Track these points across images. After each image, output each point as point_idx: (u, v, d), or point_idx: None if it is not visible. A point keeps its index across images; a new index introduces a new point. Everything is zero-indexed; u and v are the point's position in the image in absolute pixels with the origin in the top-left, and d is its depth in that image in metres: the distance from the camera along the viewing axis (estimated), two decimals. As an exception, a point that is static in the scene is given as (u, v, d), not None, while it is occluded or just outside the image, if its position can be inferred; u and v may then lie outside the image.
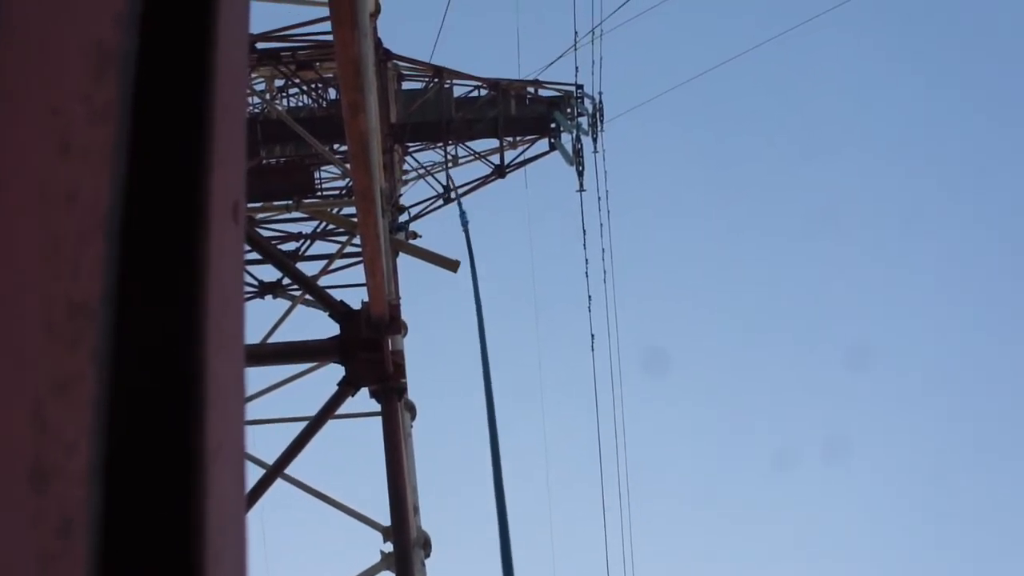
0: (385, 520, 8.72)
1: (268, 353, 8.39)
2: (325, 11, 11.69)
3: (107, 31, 0.70)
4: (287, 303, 13.29)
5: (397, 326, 7.63)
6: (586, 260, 17.16)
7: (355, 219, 8.70)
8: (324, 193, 14.45)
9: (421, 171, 15.67)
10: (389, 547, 8.73)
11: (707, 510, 41.23)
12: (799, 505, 40.96)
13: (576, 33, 16.11)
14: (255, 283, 13.77)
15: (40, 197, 0.61)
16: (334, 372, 7.82)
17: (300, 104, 15.41)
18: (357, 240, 10.90)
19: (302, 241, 14.57)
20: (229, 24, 0.88)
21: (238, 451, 0.90)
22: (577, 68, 16.22)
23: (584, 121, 16.12)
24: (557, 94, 15.90)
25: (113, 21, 0.71)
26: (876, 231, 40.95)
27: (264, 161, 14.11)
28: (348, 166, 8.78)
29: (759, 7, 39.80)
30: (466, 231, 11.61)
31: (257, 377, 11.20)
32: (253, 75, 14.23)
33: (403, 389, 8.42)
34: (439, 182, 15.54)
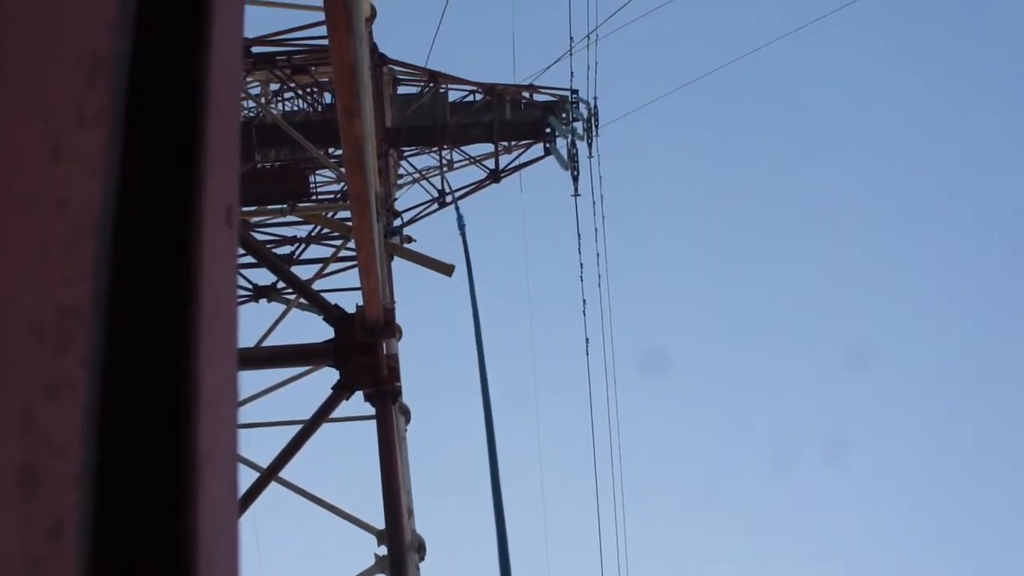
0: (379, 523, 8.72)
1: (263, 356, 8.39)
2: (321, 15, 11.69)
3: (99, 37, 0.70)
4: (282, 307, 13.29)
5: (392, 330, 7.63)
6: (581, 264, 17.17)
7: (350, 223, 8.70)
8: (319, 197, 14.45)
9: (416, 175, 15.69)
10: (383, 550, 8.73)
11: (706, 511, 41.31)
12: (799, 505, 41.01)
13: (571, 38, 16.14)
14: (250, 287, 13.77)
15: (31, 202, 0.61)
16: (329, 376, 7.82)
17: (295, 108, 15.42)
18: (352, 244, 10.90)
19: (297, 245, 14.58)
20: (223, 28, 0.88)
21: (231, 455, 0.90)
22: (572, 73, 16.26)
23: (579, 126, 16.14)
24: (552, 99, 15.91)
25: (105, 27, 0.71)
26: (876, 231, 41.03)
27: (259, 165, 14.11)
28: (343, 170, 8.78)
29: (755, 11, 39.87)
30: (463, 236, 11.59)
31: (252, 380, 11.20)
32: (249, 79, 14.23)
33: (397, 392, 8.41)
34: (434, 186, 15.56)
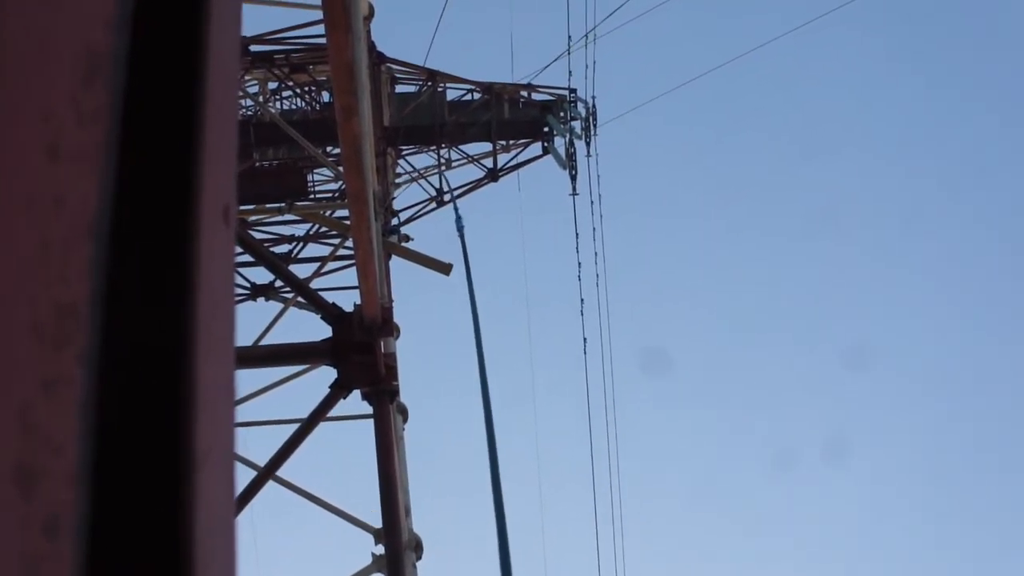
0: (377, 522, 8.71)
1: (260, 355, 8.38)
2: (319, 14, 11.69)
3: (97, 35, 0.70)
4: (279, 305, 13.29)
5: (389, 328, 7.63)
6: (579, 263, 17.17)
7: (348, 222, 8.70)
8: (317, 196, 14.46)
9: (414, 174, 15.69)
10: (381, 549, 8.73)
11: (705, 510, 41.31)
12: (798, 505, 41.03)
13: (570, 37, 16.13)
14: (248, 285, 13.77)
15: (29, 201, 0.61)
16: (326, 374, 7.82)
17: (293, 107, 15.41)
18: (350, 243, 10.90)
19: (295, 244, 14.58)
20: (221, 26, 0.88)
21: (228, 453, 0.90)
22: (571, 72, 16.26)
23: (577, 125, 16.14)
24: (550, 98, 15.91)
25: (103, 25, 0.71)
26: (875, 231, 41.05)
27: (257, 163, 14.10)
28: (341, 169, 8.78)
29: (754, 9, 39.88)
30: (462, 236, 11.54)
31: (249, 379, 11.19)
32: (247, 78, 14.22)
33: (395, 391, 8.41)
34: (432, 185, 15.56)
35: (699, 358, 41.25)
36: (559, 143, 15.99)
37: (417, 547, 9.11)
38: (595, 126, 16.35)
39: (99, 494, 0.69)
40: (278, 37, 13.50)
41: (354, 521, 9.63)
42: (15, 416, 0.58)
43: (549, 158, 16.00)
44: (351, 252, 11.09)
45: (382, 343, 7.73)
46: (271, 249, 13.95)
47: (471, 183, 15.72)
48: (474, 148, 15.80)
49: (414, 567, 9.01)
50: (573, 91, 15.98)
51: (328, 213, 13.99)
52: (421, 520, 10.00)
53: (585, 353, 17.42)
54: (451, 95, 15.55)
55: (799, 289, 41.22)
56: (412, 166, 15.76)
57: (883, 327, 38.49)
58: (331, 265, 13.65)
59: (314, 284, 12.22)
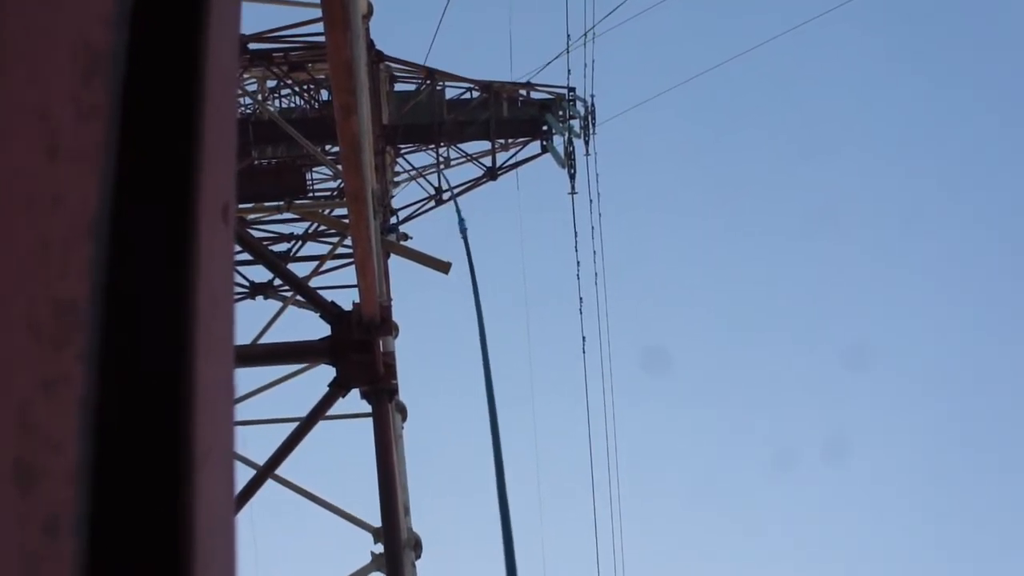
0: (376, 521, 8.72)
1: (259, 354, 8.38)
2: (318, 12, 11.69)
3: (96, 33, 0.70)
4: (278, 304, 13.29)
5: (388, 327, 7.63)
6: (577, 263, 17.17)
7: (346, 220, 8.70)
8: (315, 194, 14.45)
9: (413, 173, 15.69)
10: (380, 548, 8.73)
11: (705, 510, 41.33)
12: (798, 505, 41.06)
13: (568, 36, 16.13)
14: (246, 284, 13.77)
15: (28, 199, 0.61)
16: (325, 373, 7.82)
17: (292, 105, 15.40)
18: (348, 241, 10.90)
19: (293, 242, 14.57)
20: (220, 24, 0.88)
21: (227, 452, 0.90)
22: (569, 71, 16.25)
23: (576, 124, 16.14)
24: (549, 96, 15.91)
25: (102, 22, 0.71)
26: (876, 230, 41.09)
27: (256, 162, 14.10)
28: (340, 167, 8.78)
29: (753, 8, 39.90)
30: (465, 239, 11.43)
31: (248, 378, 11.19)
32: (245, 76, 14.22)
33: (394, 390, 8.42)
34: (431, 184, 15.56)
35: (699, 357, 41.29)
36: (558, 142, 16.00)
37: (416, 546, 9.11)
38: (594, 125, 16.36)
39: (99, 493, 0.69)
40: (277, 35, 13.50)
41: (353, 520, 9.63)
42: (15, 415, 0.58)
43: (548, 157, 16.01)
44: (350, 251, 11.10)
45: (381, 342, 7.73)
46: (269, 247, 13.95)
47: (470, 182, 15.73)
48: (473, 147, 15.81)
49: (413, 566, 9.01)
50: (572, 90, 15.98)
51: (327, 211, 13.99)
52: (420, 519, 10.00)
53: (584, 352, 17.43)
54: (450, 94, 15.55)
55: (799, 288, 41.30)
56: (411, 164, 15.77)
57: (883, 327, 38.57)
58: (330, 264, 13.65)
59: (313, 283, 12.21)
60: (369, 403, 8.08)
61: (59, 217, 0.65)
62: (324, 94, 14.67)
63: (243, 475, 8.28)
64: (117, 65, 0.73)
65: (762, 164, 40.23)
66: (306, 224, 14.44)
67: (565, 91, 15.94)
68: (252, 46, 13.42)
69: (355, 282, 7.26)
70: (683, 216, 41.64)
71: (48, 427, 0.62)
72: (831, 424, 40.20)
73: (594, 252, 17.18)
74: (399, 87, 15.35)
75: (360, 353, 7.49)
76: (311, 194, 14.30)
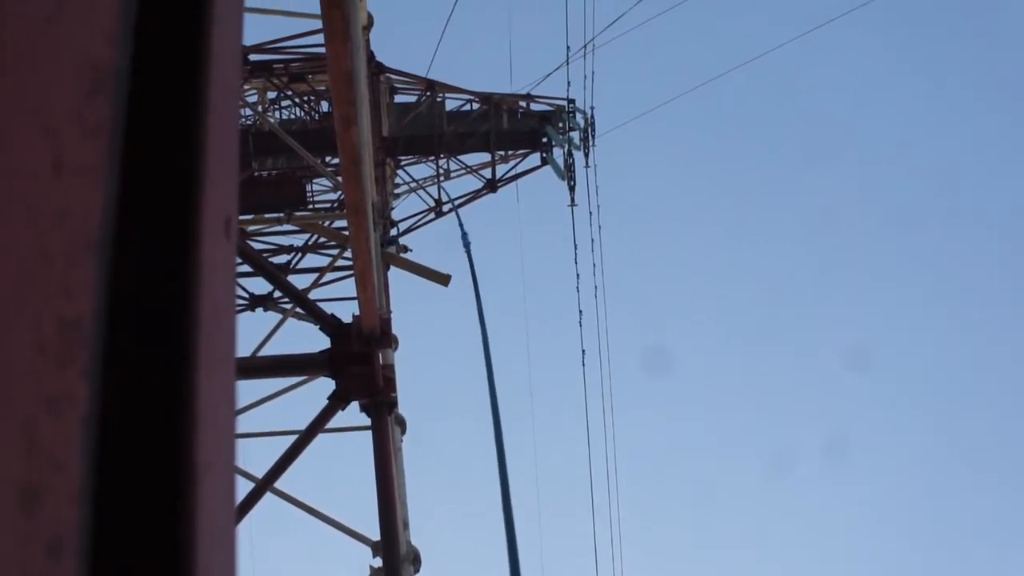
0: (375, 535, 8.70)
1: (258, 366, 8.38)
2: (318, 24, 11.70)
3: (100, 50, 0.70)
4: (278, 316, 13.27)
5: (388, 340, 7.62)
6: (577, 275, 17.17)
7: (346, 232, 8.70)
8: (315, 206, 14.45)
9: (413, 185, 15.70)
10: (378, 562, 8.71)
11: (705, 514, 41.30)
12: (798, 508, 41.04)
13: (568, 48, 16.16)
14: (246, 296, 13.76)
15: (32, 215, 0.61)
16: (324, 386, 7.82)
17: (292, 116, 15.41)
18: (348, 253, 10.90)
19: (293, 254, 14.57)
20: (222, 39, 0.88)
21: (228, 466, 0.90)
22: (569, 82, 16.26)
23: (576, 136, 16.16)
24: (549, 109, 15.93)
25: (106, 40, 0.71)
26: (875, 233, 41.13)
27: (256, 173, 14.10)
28: (340, 179, 8.78)
29: (754, 18, 40.00)
30: (468, 253, 11.35)
31: (247, 390, 11.18)
32: (246, 87, 14.23)
33: (393, 403, 8.41)
34: (431, 196, 15.57)
35: (699, 362, 41.35)
36: (558, 154, 16.02)
37: (415, 560, 9.10)
38: (593, 137, 16.38)
39: (100, 508, 0.69)
40: (277, 47, 13.52)
41: (352, 533, 9.61)
42: (18, 433, 0.58)
43: (548, 169, 16.02)
44: (350, 263, 11.10)
45: (380, 354, 7.72)
46: (269, 259, 13.95)
47: (470, 194, 15.73)
48: (473, 159, 15.82)
49: (412, 578, 8.99)
50: (572, 102, 16.00)
51: (327, 223, 13.99)
52: (419, 532, 9.99)
53: (584, 365, 17.42)
54: (450, 105, 15.57)
55: (798, 292, 41.33)
56: (411, 176, 15.77)
57: (882, 329, 38.58)
58: (330, 276, 13.64)
59: (312, 295, 12.21)
60: (368, 416, 8.07)
61: (63, 232, 0.65)
62: (324, 105, 14.68)
63: (242, 488, 8.27)
64: (121, 82, 0.73)
65: (762, 171, 40.33)
66: (306, 236, 14.44)
67: (565, 103, 15.96)
68: (253, 57, 13.44)
69: (355, 294, 7.26)
70: (683, 224, 41.72)
71: (52, 445, 0.62)
72: (831, 427, 40.28)
73: (594, 264, 17.20)
74: (399, 99, 15.37)
75: (360, 366, 7.49)
76: (311, 206, 14.30)
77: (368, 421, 8.10)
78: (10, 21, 0.59)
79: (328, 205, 14.53)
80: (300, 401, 11.41)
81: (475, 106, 15.59)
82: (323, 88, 14.03)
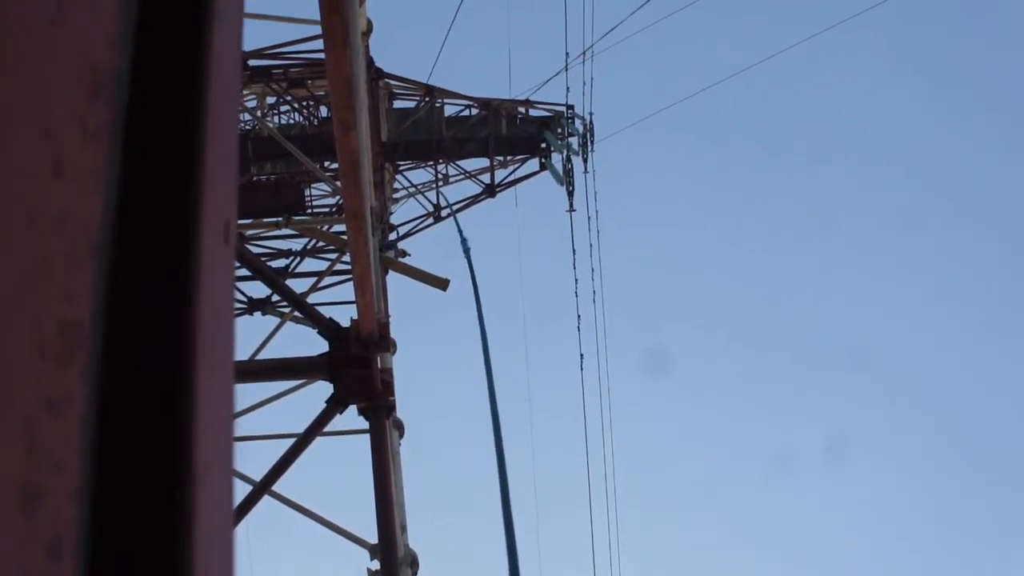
0: (372, 538, 8.70)
1: (257, 370, 8.38)
2: (317, 29, 11.71)
3: (101, 53, 0.71)
4: (276, 320, 13.27)
5: (386, 344, 7.63)
6: (575, 280, 17.19)
7: (345, 237, 8.71)
8: (314, 210, 14.46)
9: (412, 189, 15.70)
10: (376, 565, 8.71)
11: (705, 515, 41.27)
12: (798, 508, 41.02)
13: (567, 54, 16.17)
14: (244, 300, 13.76)
15: (32, 217, 0.62)
16: (322, 389, 7.82)
17: (291, 121, 15.41)
18: (347, 258, 10.90)
19: (292, 258, 14.57)
20: (222, 43, 0.88)
21: (227, 469, 0.90)
22: (568, 88, 16.27)
23: (575, 141, 16.17)
24: (548, 114, 15.94)
25: (107, 43, 0.72)
26: (874, 233, 41.17)
27: (254, 178, 14.10)
28: (339, 184, 8.79)
29: (753, 23, 40.04)
30: (468, 259, 11.32)
31: (246, 393, 11.17)
32: (245, 92, 14.23)
33: (391, 407, 8.41)
34: (429, 201, 15.57)
35: (698, 364, 41.38)
36: (556, 159, 16.03)
37: (413, 563, 9.09)
38: (592, 142, 16.39)
39: (100, 508, 0.69)
40: (277, 52, 13.53)
41: (350, 536, 9.60)
42: (18, 434, 0.59)
43: (547, 174, 16.02)
44: (348, 267, 11.10)
45: (379, 358, 7.72)
46: (268, 263, 13.95)
47: (469, 199, 15.74)
48: (472, 164, 15.83)
49: (410, 583, 8.99)
50: (571, 107, 16.01)
51: (325, 228, 14.00)
52: (417, 536, 9.98)
53: (582, 370, 17.42)
54: (449, 111, 15.58)
55: (798, 293, 41.36)
56: (410, 181, 15.78)
57: (882, 330, 38.59)
58: (328, 280, 13.64)
59: (311, 299, 12.21)
60: (367, 419, 8.07)
61: (63, 235, 0.65)
62: (323, 110, 14.68)
63: (240, 491, 8.27)
64: (121, 85, 0.73)
65: (761, 174, 40.36)
66: (304, 240, 14.44)
67: (564, 109, 15.98)
68: (252, 62, 13.45)
69: (353, 298, 7.26)
70: (682, 228, 41.77)
71: (51, 446, 0.62)
72: (831, 427, 40.32)
73: (592, 269, 17.21)
74: (398, 104, 15.37)
75: (358, 369, 7.49)
76: (310, 210, 14.31)
77: (366, 425, 8.10)
78: (11, 23, 0.60)
79: (327, 209, 14.54)
80: (298, 404, 11.40)
81: (474, 111, 15.60)
82: (322, 93, 14.03)
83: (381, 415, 8.06)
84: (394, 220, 14.98)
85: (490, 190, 15.72)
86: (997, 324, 40.52)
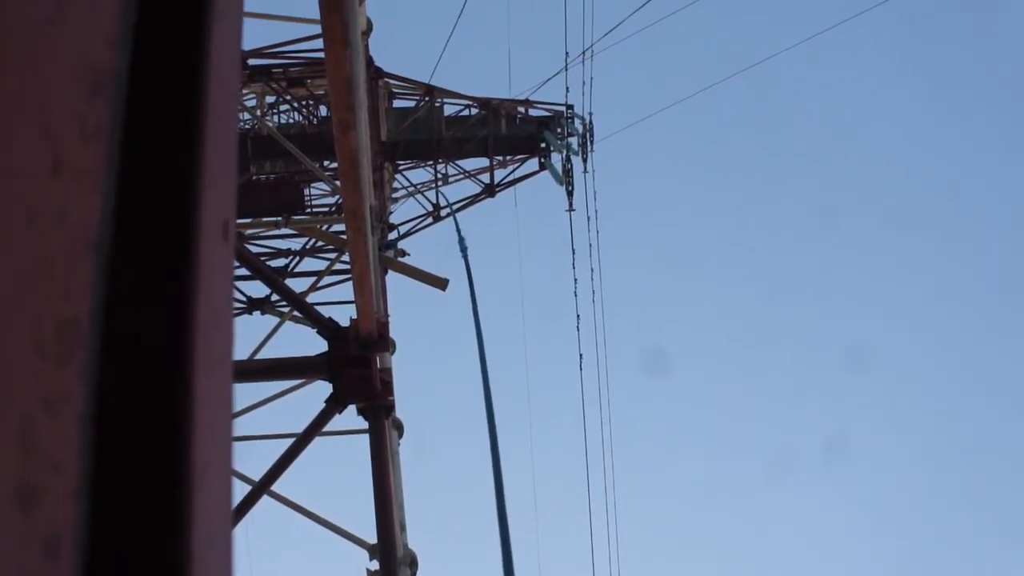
0: (371, 538, 8.70)
1: (256, 369, 8.38)
2: (317, 28, 11.71)
3: (100, 52, 0.71)
4: (275, 319, 13.27)
5: (385, 343, 7.62)
6: (575, 280, 17.19)
7: (344, 236, 8.71)
8: (314, 210, 14.46)
9: (411, 189, 15.70)
10: (375, 565, 8.71)
11: (705, 515, 41.29)
12: (798, 508, 41.04)
13: (567, 54, 16.18)
14: (243, 299, 13.76)
15: (31, 216, 0.62)
16: (322, 389, 7.82)
17: (291, 120, 15.41)
18: (346, 257, 10.90)
19: (291, 258, 14.57)
20: (221, 42, 0.88)
21: (226, 468, 0.90)
22: (568, 88, 16.27)
23: (574, 141, 16.17)
24: (547, 114, 15.94)
25: (106, 42, 0.72)
26: (874, 234, 41.19)
27: (254, 177, 14.10)
28: (338, 183, 8.79)
29: (753, 23, 40.04)
30: (465, 258, 11.33)
31: (244, 393, 11.16)
32: (244, 91, 14.23)
33: (391, 407, 8.41)
34: (429, 200, 15.58)
35: (698, 364, 41.42)
36: (556, 159, 16.03)
37: (412, 563, 9.09)
38: (592, 142, 16.40)
39: (98, 508, 0.69)
40: (276, 51, 13.53)
41: (349, 536, 9.60)
42: (15, 433, 0.59)
43: (546, 174, 16.03)
44: (347, 266, 11.10)
45: (378, 358, 7.72)
46: (267, 263, 13.95)
47: (468, 198, 15.75)
48: (471, 163, 15.84)
49: (408, 582, 8.99)
50: (570, 107, 16.01)
51: (325, 227, 13.99)
52: (416, 536, 9.98)
53: (581, 370, 17.43)
54: (449, 110, 15.58)
55: (798, 294, 41.39)
56: (409, 181, 15.78)
57: (881, 330, 38.63)
58: (327, 279, 13.64)
59: (310, 298, 12.21)
60: (366, 419, 8.06)
61: (62, 233, 0.65)
62: (323, 110, 14.68)
63: (239, 491, 8.27)
64: (120, 84, 0.73)
65: (761, 174, 40.40)
66: (304, 240, 14.44)
67: (563, 109, 15.98)
68: (251, 61, 13.45)
69: (353, 298, 7.26)
70: (682, 228, 41.81)
71: (49, 445, 0.62)
72: (831, 427, 40.37)
73: (592, 269, 17.21)
74: (398, 103, 15.37)
75: (357, 369, 7.49)
76: (309, 210, 14.31)
77: (366, 425, 8.10)
78: (10, 22, 0.60)
79: (326, 209, 14.54)
80: (297, 404, 11.40)
81: (474, 111, 15.60)
82: (322, 92, 14.03)
83: (380, 415, 8.06)
84: (394, 220, 15.00)
85: (490, 190, 15.72)
86: (997, 324, 40.57)
